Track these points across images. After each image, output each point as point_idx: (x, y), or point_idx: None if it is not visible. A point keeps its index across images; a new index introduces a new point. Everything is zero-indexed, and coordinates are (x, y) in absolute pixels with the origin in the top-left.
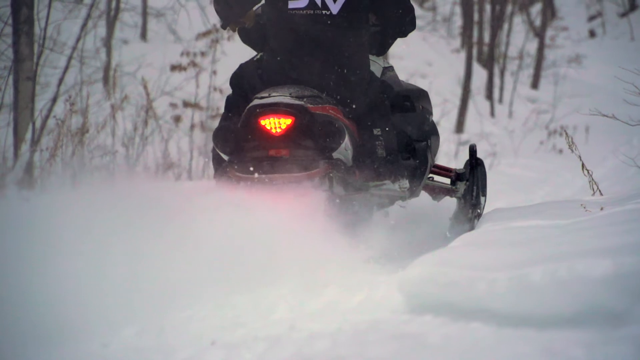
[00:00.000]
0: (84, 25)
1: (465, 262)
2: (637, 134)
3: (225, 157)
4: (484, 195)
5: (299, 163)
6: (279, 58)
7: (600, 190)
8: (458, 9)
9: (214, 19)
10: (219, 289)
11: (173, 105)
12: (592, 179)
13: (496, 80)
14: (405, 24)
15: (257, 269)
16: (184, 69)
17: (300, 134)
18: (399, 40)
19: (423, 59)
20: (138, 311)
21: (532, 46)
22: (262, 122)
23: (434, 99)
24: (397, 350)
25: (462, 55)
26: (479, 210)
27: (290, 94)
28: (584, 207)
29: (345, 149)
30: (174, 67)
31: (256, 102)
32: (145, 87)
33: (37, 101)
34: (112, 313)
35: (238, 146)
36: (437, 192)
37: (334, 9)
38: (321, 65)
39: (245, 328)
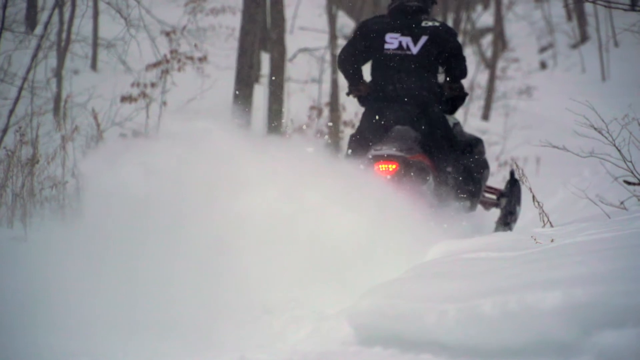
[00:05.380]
0: (35, 56)
1: (414, 294)
2: (587, 166)
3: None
4: (519, 205)
5: (401, 191)
6: (378, 85)
7: (550, 222)
8: None
9: (164, 50)
10: (171, 319)
11: (123, 136)
12: (543, 211)
13: None
14: (458, 71)
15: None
16: (135, 100)
17: (402, 175)
18: None
19: None
20: (88, 343)
21: (483, 77)
22: (377, 166)
23: None
24: None
25: None
26: (515, 216)
27: (395, 148)
28: (535, 239)
29: (429, 183)
30: (124, 98)
31: (374, 152)
32: (95, 118)
33: None
34: (63, 346)
35: None
36: (487, 205)
37: (414, 50)
38: (406, 89)
39: (196, 358)
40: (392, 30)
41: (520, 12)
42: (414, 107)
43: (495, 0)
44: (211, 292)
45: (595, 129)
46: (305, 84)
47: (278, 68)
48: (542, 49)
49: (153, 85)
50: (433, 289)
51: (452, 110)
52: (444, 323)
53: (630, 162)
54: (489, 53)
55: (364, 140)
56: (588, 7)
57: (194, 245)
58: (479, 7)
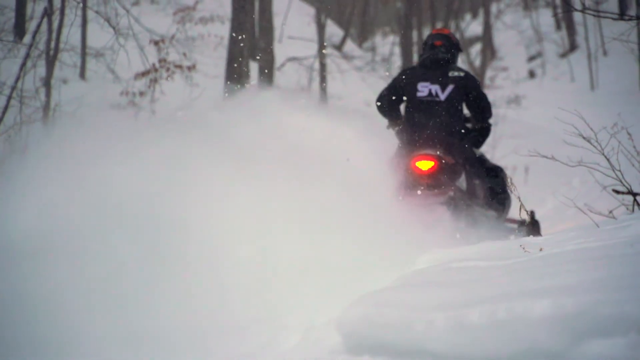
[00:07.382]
0: (23, 64)
1: (403, 303)
2: (576, 175)
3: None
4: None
5: (437, 186)
6: (409, 127)
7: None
8: (397, 49)
9: (153, 59)
10: (159, 329)
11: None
12: (532, 220)
13: None
14: (485, 115)
15: None
16: (123, 108)
17: (438, 171)
18: (337, 80)
19: (362, 98)
20: (75, 354)
21: None
22: (417, 163)
23: (373, 139)
24: None
25: None
26: None
27: (432, 150)
28: (523, 248)
29: (462, 181)
30: (113, 107)
31: (415, 153)
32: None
33: None
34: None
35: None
36: (508, 232)
37: (442, 97)
38: (434, 131)
39: None
40: (423, 80)
41: (509, 21)
42: (443, 145)
43: (484, 9)
44: (199, 302)
45: (584, 138)
46: (294, 92)
47: (267, 77)
48: (531, 58)
49: (142, 94)
50: (422, 297)
51: (478, 145)
52: (433, 332)
53: (619, 171)
54: (477, 62)
55: (401, 152)
56: (577, 16)
57: (181, 254)
58: (468, 16)
